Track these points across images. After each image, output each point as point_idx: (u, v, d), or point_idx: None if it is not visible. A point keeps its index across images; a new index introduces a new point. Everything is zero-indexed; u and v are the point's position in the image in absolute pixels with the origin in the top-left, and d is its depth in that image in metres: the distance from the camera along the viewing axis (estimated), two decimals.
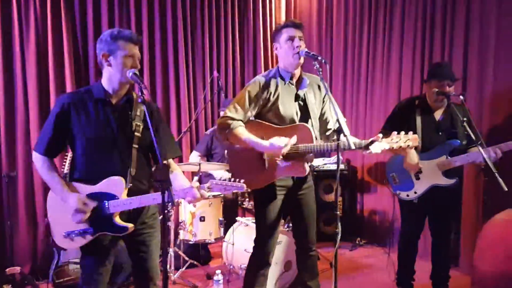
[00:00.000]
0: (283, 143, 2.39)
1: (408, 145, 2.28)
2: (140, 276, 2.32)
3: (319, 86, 2.68)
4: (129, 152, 2.15)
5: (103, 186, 2.12)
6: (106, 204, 2.11)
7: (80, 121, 2.10)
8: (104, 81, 2.16)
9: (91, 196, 2.12)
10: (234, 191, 2.16)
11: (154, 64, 4.65)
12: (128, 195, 2.13)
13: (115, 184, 2.11)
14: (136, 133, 2.17)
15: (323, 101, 2.70)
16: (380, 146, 2.26)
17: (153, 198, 2.11)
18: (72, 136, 2.13)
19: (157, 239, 2.32)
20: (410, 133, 2.29)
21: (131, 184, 2.14)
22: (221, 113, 3.05)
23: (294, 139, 2.45)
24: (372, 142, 2.28)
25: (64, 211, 2.11)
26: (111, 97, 2.15)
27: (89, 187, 2.13)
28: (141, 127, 2.19)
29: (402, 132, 2.29)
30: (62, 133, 2.12)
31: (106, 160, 2.13)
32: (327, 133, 2.72)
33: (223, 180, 2.13)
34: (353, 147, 2.19)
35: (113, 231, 2.14)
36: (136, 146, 2.17)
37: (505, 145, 2.77)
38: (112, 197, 2.11)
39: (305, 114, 2.61)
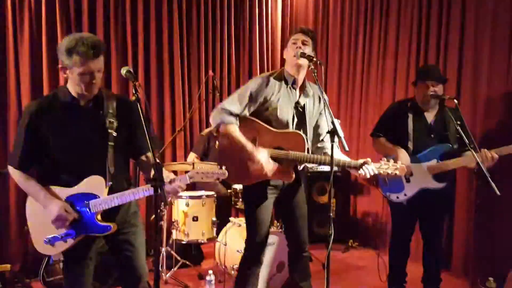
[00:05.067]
0: (267, 169, 2.45)
1: (396, 173, 2.45)
2: (128, 276, 2.26)
3: (319, 98, 2.68)
4: (105, 151, 2.08)
5: (83, 186, 2.06)
6: (87, 204, 2.05)
7: (50, 127, 2.02)
8: (69, 86, 2.07)
9: (71, 198, 2.06)
10: (216, 178, 2.12)
11: (148, 63, 4.63)
12: (109, 194, 2.07)
13: (95, 184, 2.06)
14: (109, 130, 2.10)
15: (320, 113, 2.71)
16: (372, 168, 2.41)
17: (133, 193, 2.06)
18: (44, 144, 2.03)
19: (141, 237, 2.28)
20: (399, 162, 2.48)
21: (111, 183, 2.08)
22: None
23: (270, 173, 2.48)
24: (363, 164, 2.41)
25: (45, 217, 2.04)
26: (78, 100, 2.07)
27: (68, 189, 2.06)
28: (115, 123, 2.11)
29: (391, 160, 2.46)
30: (34, 144, 2.03)
31: (82, 162, 2.06)
32: (318, 145, 2.74)
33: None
34: (347, 148, 2.20)
35: (95, 232, 2.09)
36: (112, 143, 2.10)
37: (505, 148, 2.76)
38: (93, 197, 2.06)
39: (301, 121, 2.61)
